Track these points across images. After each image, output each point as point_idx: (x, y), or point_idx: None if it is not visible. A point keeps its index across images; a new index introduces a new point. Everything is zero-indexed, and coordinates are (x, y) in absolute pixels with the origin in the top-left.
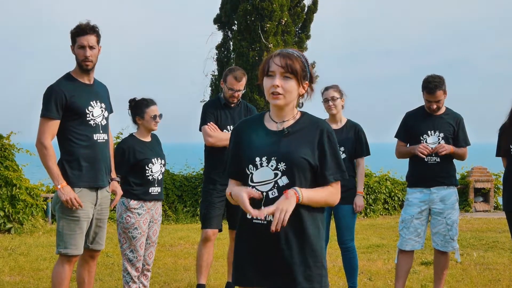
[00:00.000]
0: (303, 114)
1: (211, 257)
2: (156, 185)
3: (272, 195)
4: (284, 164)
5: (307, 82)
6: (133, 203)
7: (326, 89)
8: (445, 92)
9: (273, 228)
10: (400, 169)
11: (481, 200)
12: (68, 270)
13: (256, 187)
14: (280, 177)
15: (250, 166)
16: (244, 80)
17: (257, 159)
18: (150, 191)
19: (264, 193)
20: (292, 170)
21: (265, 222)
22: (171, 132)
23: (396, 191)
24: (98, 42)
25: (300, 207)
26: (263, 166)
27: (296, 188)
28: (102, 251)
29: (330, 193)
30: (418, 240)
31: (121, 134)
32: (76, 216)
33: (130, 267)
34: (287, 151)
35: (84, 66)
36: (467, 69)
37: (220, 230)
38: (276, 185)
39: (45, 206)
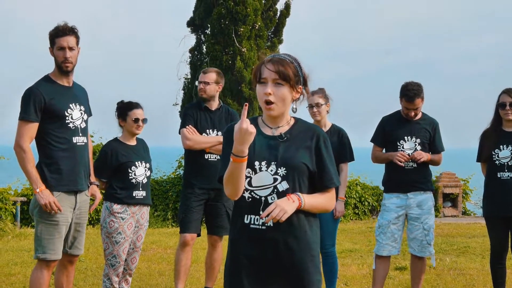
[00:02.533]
0: (297, 120)
1: (189, 262)
2: (140, 189)
3: (272, 200)
4: (284, 169)
5: (300, 86)
6: (117, 207)
7: (311, 94)
8: (423, 99)
9: (263, 215)
10: (370, 174)
11: (449, 205)
12: (46, 275)
13: (255, 191)
14: (280, 182)
15: (249, 170)
16: (212, 74)
17: (257, 163)
18: (134, 194)
19: (263, 198)
20: (292, 175)
21: (263, 227)
22: (142, 135)
23: (367, 196)
24: (77, 43)
25: (301, 213)
26: (262, 171)
27: (299, 194)
28: None
29: (328, 199)
30: (395, 245)
31: (92, 136)
32: (55, 221)
33: (111, 272)
34: (287, 156)
35: (64, 68)
36: (432, 72)
37: (199, 235)
38: (275, 190)
39: (14, 210)
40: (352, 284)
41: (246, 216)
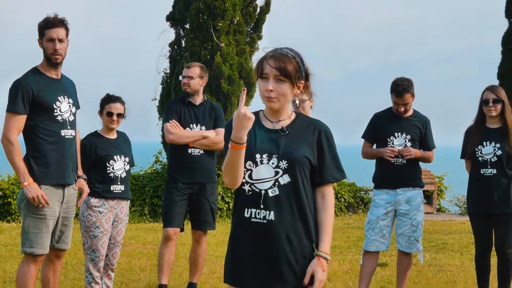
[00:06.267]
0: (298, 115)
1: (172, 257)
2: (119, 183)
3: (272, 193)
4: (286, 162)
5: (302, 81)
6: (94, 201)
7: None
8: (413, 95)
9: None
10: (347, 171)
11: (424, 202)
12: (34, 269)
13: (255, 184)
14: (282, 175)
15: (249, 162)
16: (196, 69)
17: (258, 156)
18: (112, 189)
19: (263, 191)
20: (294, 168)
21: (265, 221)
22: (120, 129)
23: (343, 193)
24: (67, 35)
25: (302, 207)
26: (263, 164)
27: (321, 254)
28: None
29: (331, 211)
30: (383, 241)
31: None
32: (42, 214)
33: (92, 267)
34: (289, 149)
35: (53, 60)
36: (411, 72)
37: (182, 230)
38: (277, 183)
39: None
40: (335, 280)
41: (246, 209)
